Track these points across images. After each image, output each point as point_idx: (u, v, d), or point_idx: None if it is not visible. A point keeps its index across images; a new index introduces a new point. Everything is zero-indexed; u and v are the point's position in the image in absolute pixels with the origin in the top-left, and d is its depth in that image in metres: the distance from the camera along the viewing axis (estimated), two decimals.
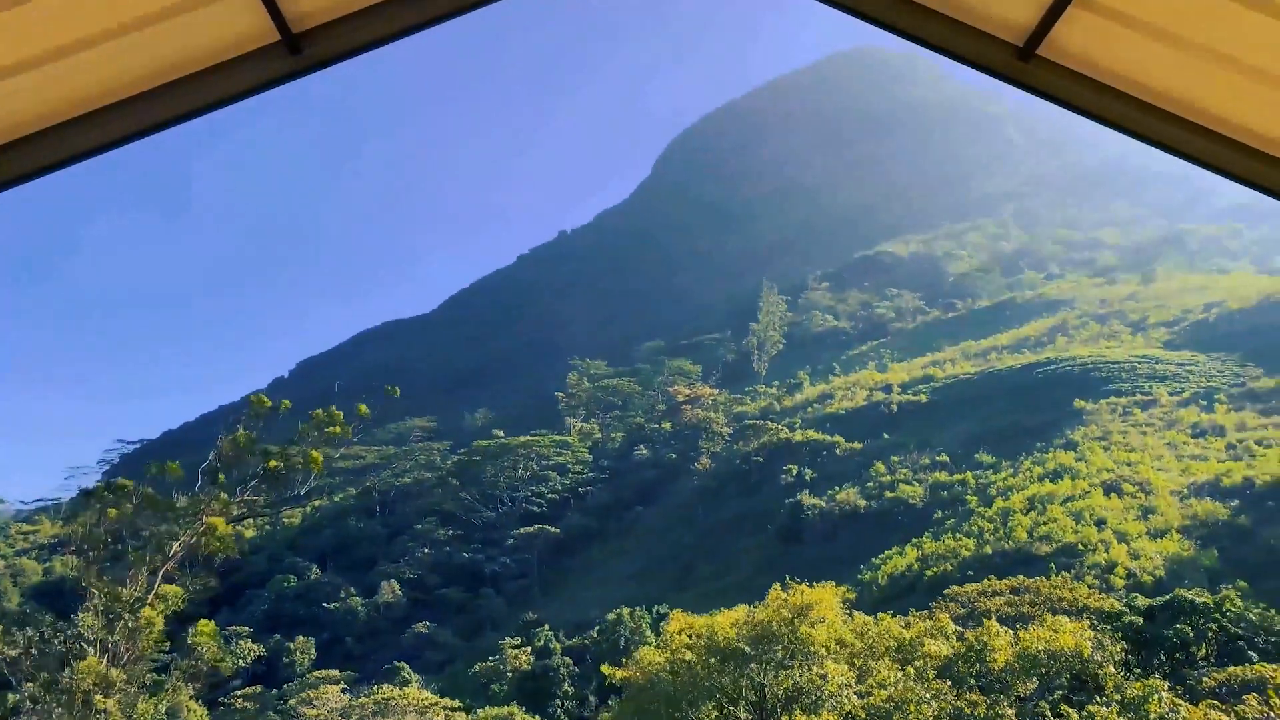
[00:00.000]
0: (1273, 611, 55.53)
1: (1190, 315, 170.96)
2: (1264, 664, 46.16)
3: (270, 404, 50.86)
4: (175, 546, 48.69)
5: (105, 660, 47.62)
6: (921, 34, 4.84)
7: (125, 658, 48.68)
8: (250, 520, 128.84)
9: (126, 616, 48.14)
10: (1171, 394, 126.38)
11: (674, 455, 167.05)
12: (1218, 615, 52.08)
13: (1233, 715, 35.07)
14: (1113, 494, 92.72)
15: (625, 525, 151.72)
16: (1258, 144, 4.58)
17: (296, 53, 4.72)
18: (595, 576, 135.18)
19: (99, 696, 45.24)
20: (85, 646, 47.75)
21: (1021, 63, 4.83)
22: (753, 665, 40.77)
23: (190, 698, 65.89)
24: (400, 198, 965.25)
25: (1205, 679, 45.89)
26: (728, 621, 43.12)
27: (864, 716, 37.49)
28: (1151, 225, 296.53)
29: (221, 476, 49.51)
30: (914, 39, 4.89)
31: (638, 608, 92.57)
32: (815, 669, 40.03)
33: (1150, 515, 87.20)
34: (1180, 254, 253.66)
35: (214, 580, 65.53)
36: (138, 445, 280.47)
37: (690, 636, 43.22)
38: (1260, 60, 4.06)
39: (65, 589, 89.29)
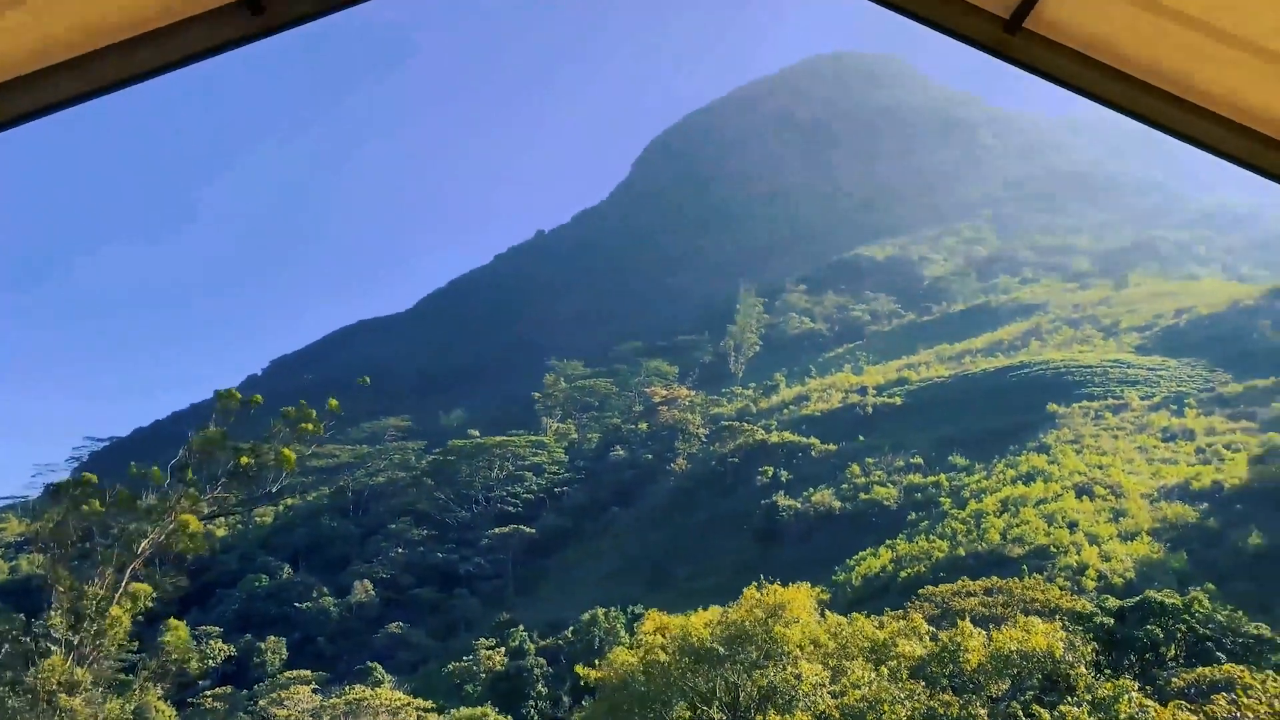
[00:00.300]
0: (1241, 613, 56.14)
1: (1161, 320, 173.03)
2: (1232, 665, 46.58)
3: (240, 397, 50.21)
4: (144, 544, 47.96)
5: (71, 659, 46.83)
6: (904, 3, 4.70)
7: (91, 657, 47.91)
8: (222, 519, 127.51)
9: (93, 614, 47.38)
10: (1143, 398, 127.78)
11: (650, 456, 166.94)
12: (1187, 617, 52.54)
13: (1201, 715, 35.31)
14: (1084, 497, 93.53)
15: (601, 526, 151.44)
16: (1253, 123, 4.48)
17: (258, 13, 4.52)
18: (570, 577, 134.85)
19: (63, 696, 44.48)
20: (51, 645, 46.96)
21: (1008, 36, 4.70)
22: (726, 665, 40.67)
23: (159, 698, 65.09)
24: (386, 199, 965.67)
25: (1174, 679, 46.25)
26: (702, 622, 43.00)
27: (838, 716, 37.47)
28: (1124, 231, 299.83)
29: (191, 473, 48.80)
30: (897, 9, 4.75)
31: (612, 608, 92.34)
32: (789, 669, 40.00)
33: (1121, 518, 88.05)
34: (1152, 260, 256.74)
35: (184, 579, 64.74)
36: (107, 443, 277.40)
37: (664, 637, 43.06)
38: (1259, 35, 3.95)
39: (32, 587, 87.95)
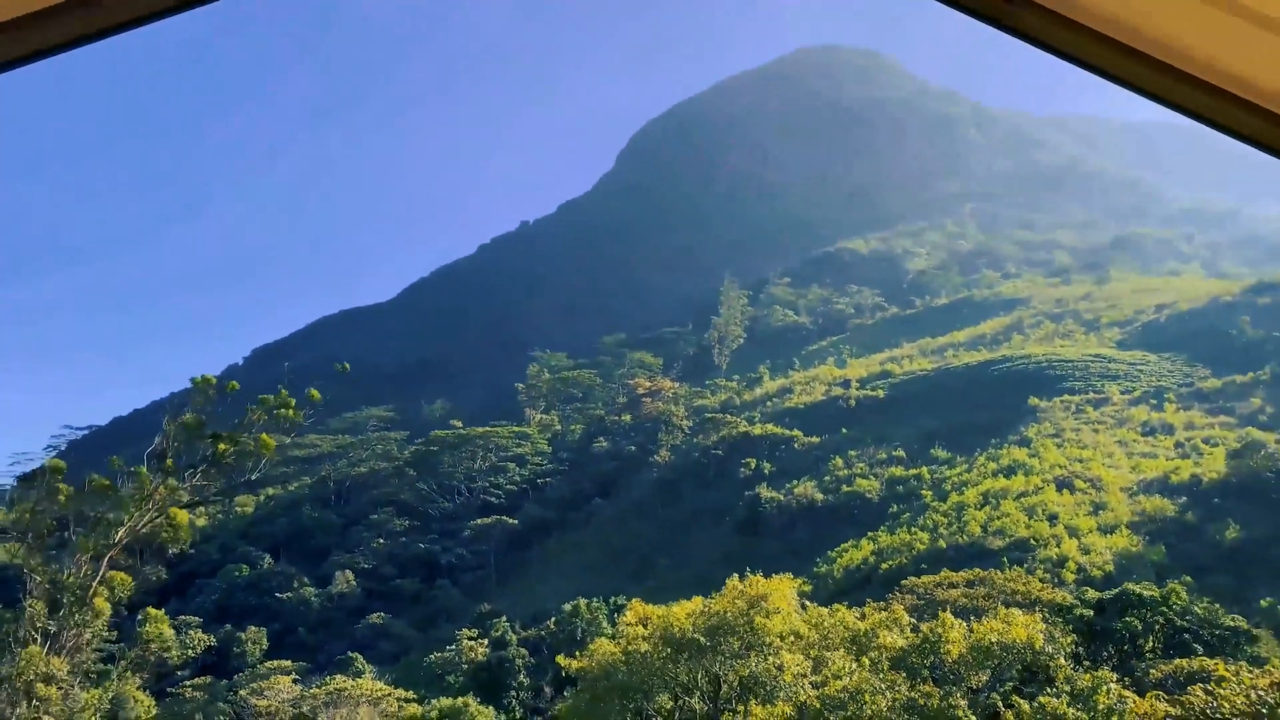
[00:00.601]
0: (1217, 606, 56.70)
1: (1142, 316, 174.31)
2: (1207, 657, 47.04)
3: (215, 382, 49.69)
4: (120, 532, 47.48)
5: (48, 649, 46.39)
6: None
7: (69, 646, 47.45)
8: (202, 509, 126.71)
9: (70, 604, 46.93)
10: (1123, 392, 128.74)
11: (634, 448, 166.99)
12: (1164, 609, 53.01)
13: (1178, 706, 35.57)
14: (1064, 490, 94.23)
15: (583, 517, 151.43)
16: (1256, 98, 4.38)
17: None
18: (552, 568, 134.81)
19: (40, 685, 44.08)
20: (30, 634, 46.49)
21: (1005, 4, 4.60)
22: (708, 656, 40.67)
23: (137, 688, 64.68)
24: (371, 189, 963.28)
25: (1152, 671, 46.68)
26: (684, 612, 42.96)
27: (819, 707, 37.56)
28: (1106, 228, 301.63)
29: (170, 461, 48.32)
30: None
31: (594, 599, 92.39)
32: (771, 660, 40.03)
33: (1101, 511, 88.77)
34: (1133, 256, 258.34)
35: (163, 569, 64.31)
36: (86, 431, 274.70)
37: (646, 627, 43.02)
38: (1265, 7, 3.85)
39: (9, 577, 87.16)
